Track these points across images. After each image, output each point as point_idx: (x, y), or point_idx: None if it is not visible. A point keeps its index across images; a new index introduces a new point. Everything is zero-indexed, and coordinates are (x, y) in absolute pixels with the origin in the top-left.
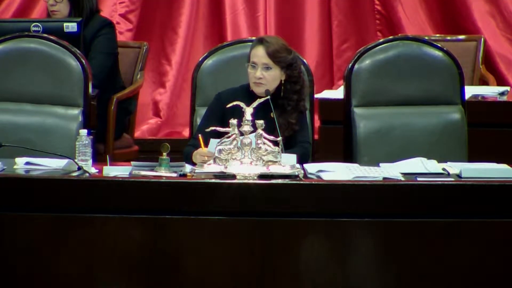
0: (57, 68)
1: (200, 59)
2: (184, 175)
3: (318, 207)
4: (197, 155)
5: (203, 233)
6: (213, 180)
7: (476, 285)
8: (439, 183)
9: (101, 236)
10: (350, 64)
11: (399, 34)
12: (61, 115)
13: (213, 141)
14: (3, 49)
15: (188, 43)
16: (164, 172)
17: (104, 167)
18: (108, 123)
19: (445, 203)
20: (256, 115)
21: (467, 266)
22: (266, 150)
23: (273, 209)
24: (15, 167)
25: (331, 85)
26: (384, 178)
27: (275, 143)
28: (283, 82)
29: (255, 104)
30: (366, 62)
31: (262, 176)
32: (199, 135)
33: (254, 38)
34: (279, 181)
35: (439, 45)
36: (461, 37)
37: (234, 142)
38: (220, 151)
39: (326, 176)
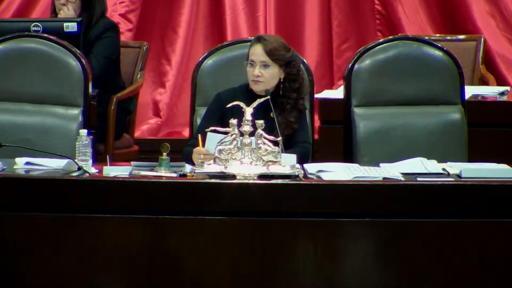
0: (57, 68)
1: (200, 59)
2: (184, 175)
3: (318, 207)
4: (195, 154)
5: (203, 233)
6: (213, 180)
7: (476, 285)
8: (439, 183)
9: (101, 236)
10: (350, 64)
11: (399, 34)
12: (61, 115)
13: (210, 136)
14: (3, 49)
15: (188, 43)
16: (164, 172)
17: (104, 167)
18: (108, 123)
19: (445, 203)
20: (256, 115)
21: (467, 266)
22: (266, 150)
23: (273, 209)
24: (15, 167)
25: (331, 85)
26: (384, 178)
27: (275, 143)
28: (282, 80)
29: (255, 104)
30: (366, 62)
31: (262, 176)
32: (199, 134)
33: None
34: (279, 181)
35: (439, 45)
36: (461, 37)
37: (234, 142)
38: (220, 151)
39: (326, 176)
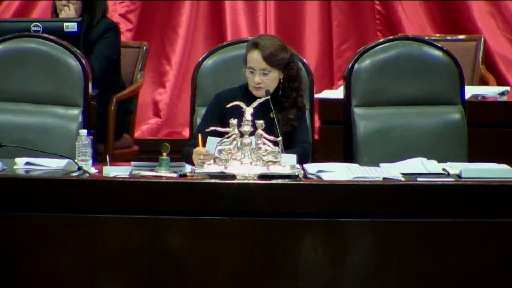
0: (57, 68)
1: (200, 59)
2: (184, 175)
3: (318, 207)
4: (194, 154)
5: (203, 233)
6: (213, 180)
7: (476, 285)
8: (439, 183)
9: (101, 236)
10: (350, 64)
11: (399, 34)
12: (61, 115)
13: (211, 140)
14: (3, 49)
15: (188, 43)
16: (164, 172)
17: (104, 167)
18: (108, 123)
19: (445, 203)
20: (256, 115)
21: (467, 266)
22: (266, 150)
23: (273, 209)
24: (15, 167)
25: (331, 85)
26: (384, 178)
27: (275, 143)
28: (281, 80)
29: (255, 104)
30: (366, 62)
31: (262, 176)
32: (199, 134)
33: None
34: (279, 181)
35: (439, 45)
36: (461, 37)
37: (234, 142)
38: (220, 151)
39: (326, 176)
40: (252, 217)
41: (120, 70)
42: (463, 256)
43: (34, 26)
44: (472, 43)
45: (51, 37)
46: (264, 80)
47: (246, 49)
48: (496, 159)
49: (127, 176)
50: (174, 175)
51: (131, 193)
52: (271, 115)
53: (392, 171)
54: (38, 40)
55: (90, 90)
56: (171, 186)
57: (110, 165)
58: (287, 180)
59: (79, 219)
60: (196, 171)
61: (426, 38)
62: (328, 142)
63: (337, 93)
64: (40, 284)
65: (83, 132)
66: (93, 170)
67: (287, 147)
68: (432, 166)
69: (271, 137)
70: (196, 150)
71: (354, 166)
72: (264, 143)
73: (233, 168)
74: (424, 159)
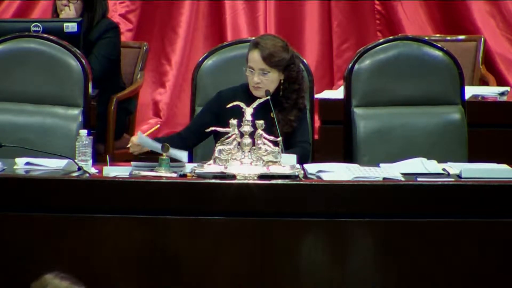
0: (57, 68)
1: (200, 59)
2: (184, 175)
3: (318, 207)
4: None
5: (203, 233)
6: (213, 180)
7: (476, 285)
8: (439, 183)
9: (101, 236)
10: (350, 64)
11: (399, 34)
12: (61, 115)
13: (140, 135)
14: (3, 49)
15: (188, 43)
16: (164, 172)
17: (104, 167)
18: (108, 123)
19: (445, 203)
20: (256, 115)
21: (467, 266)
22: (266, 150)
23: (273, 209)
24: (15, 167)
25: (331, 85)
26: (384, 178)
27: (275, 144)
28: (282, 81)
29: (255, 104)
30: (366, 62)
31: (262, 176)
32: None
33: (254, 38)
34: (279, 181)
35: (439, 45)
36: (461, 37)
37: (234, 142)
38: (220, 151)
39: (326, 176)
40: (252, 217)
41: (120, 70)
42: (463, 256)
43: (34, 26)
44: (472, 43)
45: (51, 37)
46: (263, 80)
47: (248, 48)
48: (496, 159)
49: (127, 176)
50: (174, 175)
51: (131, 193)
52: (272, 115)
53: (392, 171)
54: (38, 40)
55: (90, 90)
56: (171, 186)
57: (110, 165)
58: (287, 180)
59: (79, 219)
60: (196, 171)
61: (426, 38)
62: (328, 142)
63: (337, 93)
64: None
65: (83, 132)
66: (93, 170)
67: (287, 147)
68: (432, 166)
69: (271, 137)
70: (132, 137)
71: (354, 166)
72: (264, 143)
73: (233, 168)
74: (424, 159)
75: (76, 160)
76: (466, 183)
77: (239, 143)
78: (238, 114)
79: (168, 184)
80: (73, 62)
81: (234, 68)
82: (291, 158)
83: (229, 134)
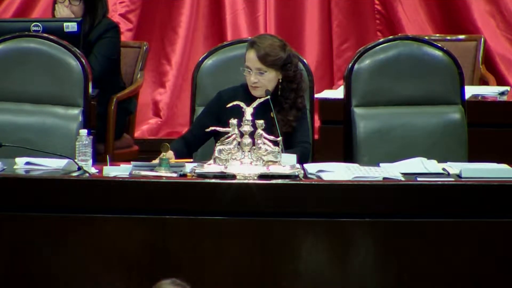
0: (57, 68)
1: (200, 59)
2: (184, 175)
3: (318, 207)
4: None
5: (203, 233)
6: (213, 180)
7: (476, 285)
8: (439, 183)
9: (101, 236)
10: (350, 64)
11: (399, 34)
12: (61, 115)
13: None
14: (3, 49)
15: (188, 43)
16: (164, 172)
17: (104, 167)
18: (108, 123)
19: (445, 203)
20: (256, 115)
21: (467, 266)
22: (266, 150)
23: (273, 209)
24: (15, 167)
25: (331, 85)
26: (384, 178)
27: (275, 143)
28: (280, 80)
29: (255, 104)
30: (366, 62)
31: (262, 176)
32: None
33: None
34: (279, 181)
35: (439, 45)
36: (461, 37)
37: (234, 142)
38: (220, 151)
39: (326, 176)
40: (252, 217)
41: (120, 70)
42: (463, 256)
43: (34, 26)
44: (472, 43)
45: (51, 37)
46: (260, 79)
47: (245, 48)
48: (496, 159)
49: (127, 176)
50: (174, 175)
51: (131, 193)
52: (271, 115)
53: (392, 171)
54: (38, 40)
55: (90, 90)
56: (171, 186)
57: (110, 165)
58: (287, 180)
59: (79, 219)
60: (196, 171)
61: (426, 38)
62: (328, 142)
63: (337, 93)
64: (40, 284)
65: (83, 132)
66: (93, 170)
67: (287, 147)
68: (432, 166)
69: (271, 137)
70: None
71: (354, 166)
72: (264, 143)
73: (233, 168)
74: (424, 159)
75: (76, 160)
76: (466, 183)
77: (239, 143)
78: (238, 114)
79: (168, 184)
80: (73, 62)
81: (234, 68)
82: (291, 158)
83: (229, 134)
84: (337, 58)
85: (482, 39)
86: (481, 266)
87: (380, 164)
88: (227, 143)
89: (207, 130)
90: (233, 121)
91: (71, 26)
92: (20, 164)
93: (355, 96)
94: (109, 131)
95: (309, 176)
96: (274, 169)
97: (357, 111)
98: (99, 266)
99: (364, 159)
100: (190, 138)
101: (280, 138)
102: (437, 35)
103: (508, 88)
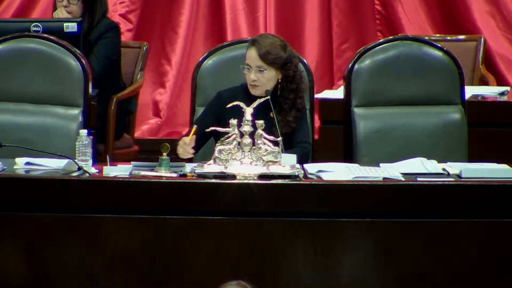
0: (57, 68)
1: (200, 59)
2: (184, 175)
3: (318, 207)
4: (181, 141)
5: (203, 233)
6: (213, 180)
7: (476, 285)
8: (439, 183)
9: (101, 236)
10: (350, 64)
11: (399, 34)
12: (61, 115)
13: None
14: (3, 49)
15: (188, 43)
16: (164, 172)
17: (104, 167)
18: (108, 123)
19: (445, 203)
20: (255, 115)
21: (467, 266)
22: (266, 150)
23: (273, 209)
24: (15, 167)
25: (331, 85)
26: (384, 178)
27: (275, 143)
28: (279, 80)
29: (255, 104)
30: (366, 62)
31: (262, 176)
32: (194, 126)
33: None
34: (279, 181)
35: (439, 45)
36: (461, 37)
37: (234, 142)
38: (220, 151)
39: (326, 176)
40: (252, 217)
41: (120, 70)
42: (463, 256)
43: (34, 26)
44: (472, 43)
45: (51, 37)
46: (259, 77)
47: (246, 48)
48: (496, 159)
49: (127, 176)
50: (174, 175)
51: (131, 193)
52: (271, 115)
53: (392, 171)
54: (38, 40)
55: (90, 90)
56: (171, 186)
57: (110, 165)
58: (287, 180)
59: (79, 219)
60: (196, 171)
61: (426, 38)
62: (328, 142)
63: (337, 93)
64: (40, 284)
65: (83, 132)
66: (93, 170)
67: (287, 147)
68: (432, 166)
69: (271, 137)
70: (183, 138)
71: (354, 166)
72: (264, 143)
73: (233, 168)
74: (424, 159)
75: (76, 160)
76: (466, 183)
77: (239, 143)
78: (238, 114)
79: (168, 184)
80: (73, 62)
81: (234, 68)
82: (291, 158)
83: (229, 134)
84: (337, 58)
85: (482, 39)
86: (481, 266)
87: (380, 164)
88: (227, 143)
89: (207, 130)
90: (233, 121)
91: (71, 26)
92: (20, 164)
93: (355, 96)
94: (109, 131)
95: (309, 176)
96: (274, 169)
97: (357, 111)
98: (99, 266)
99: (364, 159)
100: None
101: (280, 138)
102: (437, 35)
103: (508, 88)
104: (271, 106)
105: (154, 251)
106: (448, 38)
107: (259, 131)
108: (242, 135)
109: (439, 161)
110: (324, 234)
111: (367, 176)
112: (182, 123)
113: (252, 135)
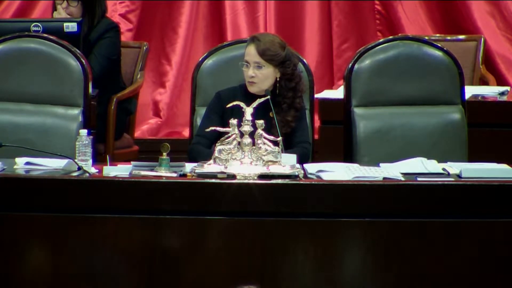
0: (57, 68)
1: (200, 59)
2: (184, 175)
3: (318, 207)
4: None
5: (203, 233)
6: (213, 180)
7: (476, 285)
8: (439, 183)
9: (101, 236)
10: (350, 64)
11: (399, 34)
12: (61, 115)
13: None
14: (3, 49)
15: (188, 43)
16: (164, 172)
17: (104, 167)
18: (108, 123)
19: (445, 203)
20: (255, 114)
21: (467, 266)
22: (266, 150)
23: (273, 209)
24: (15, 167)
25: (331, 85)
26: (384, 178)
27: (275, 143)
28: (278, 79)
29: (255, 104)
30: (366, 62)
31: (262, 176)
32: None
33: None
34: (279, 181)
35: (439, 45)
36: (461, 37)
37: (234, 142)
38: (220, 151)
39: (326, 176)
40: (252, 217)
41: (120, 70)
42: (463, 256)
43: (34, 26)
44: (472, 43)
45: (51, 37)
46: (257, 74)
47: (245, 46)
48: (496, 159)
49: (127, 176)
50: (174, 175)
51: (131, 193)
52: (271, 114)
53: (392, 171)
54: (38, 40)
55: (90, 90)
56: (171, 186)
57: (110, 165)
58: (287, 180)
59: (79, 219)
60: (196, 171)
61: (426, 38)
62: (328, 142)
63: (337, 93)
64: (40, 284)
65: (83, 132)
66: (93, 170)
67: (287, 147)
68: (432, 166)
69: (271, 137)
70: None
71: (354, 166)
72: (264, 143)
73: (233, 168)
74: (424, 159)
75: (76, 160)
76: (466, 183)
77: (239, 143)
78: (238, 114)
79: (168, 184)
80: (73, 62)
81: (234, 68)
82: (291, 158)
83: (229, 134)
84: (337, 58)
85: (482, 39)
86: (481, 266)
87: (380, 164)
88: (227, 143)
89: (207, 130)
90: (233, 121)
91: (71, 27)
92: (20, 164)
93: (355, 96)
94: (109, 131)
95: (309, 176)
96: (274, 169)
97: (357, 111)
98: (99, 266)
99: (364, 159)
100: (206, 142)
101: (280, 138)
102: (437, 35)
103: (508, 88)
104: (271, 106)
105: (154, 251)
106: (448, 38)
107: (259, 131)
108: (242, 135)
109: (439, 161)
110: (324, 234)
111: (367, 176)
112: (182, 123)
113: (252, 135)
